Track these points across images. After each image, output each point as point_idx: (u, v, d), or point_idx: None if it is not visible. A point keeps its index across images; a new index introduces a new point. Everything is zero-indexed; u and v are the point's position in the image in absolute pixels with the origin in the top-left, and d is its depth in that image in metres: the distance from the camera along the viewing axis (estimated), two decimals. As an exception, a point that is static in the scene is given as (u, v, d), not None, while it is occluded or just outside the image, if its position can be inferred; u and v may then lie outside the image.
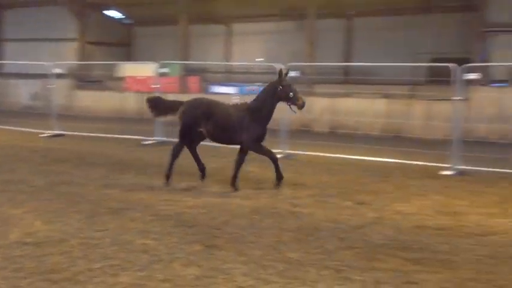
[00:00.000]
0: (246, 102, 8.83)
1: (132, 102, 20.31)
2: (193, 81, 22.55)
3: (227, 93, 20.16)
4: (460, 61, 11.20)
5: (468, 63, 11.34)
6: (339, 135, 16.13)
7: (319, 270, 5.17)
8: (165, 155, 11.70)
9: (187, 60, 23.44)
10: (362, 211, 7.46)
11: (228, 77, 26.74)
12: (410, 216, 7.23)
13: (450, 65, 10.55)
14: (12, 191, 8.13)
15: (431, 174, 10.15)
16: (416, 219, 7.08)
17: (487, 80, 16.09)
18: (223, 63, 27.09)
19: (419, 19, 22.88)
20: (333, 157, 11.76)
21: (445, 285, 4.86)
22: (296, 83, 14.36)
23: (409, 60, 21.46)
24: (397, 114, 15.90)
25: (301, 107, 8.71)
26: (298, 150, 12.23)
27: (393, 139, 14.69)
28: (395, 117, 15.72)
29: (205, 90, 21.92)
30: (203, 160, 9.13)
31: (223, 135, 8.72)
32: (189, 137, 8.78)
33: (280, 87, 8.58)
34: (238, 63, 26.35)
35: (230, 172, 8.81)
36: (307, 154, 12.13)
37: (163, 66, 14.65)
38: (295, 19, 25.04)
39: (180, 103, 8.85)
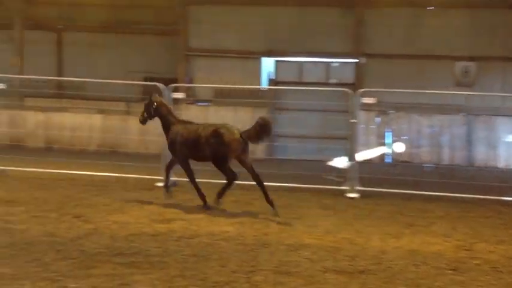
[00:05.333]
0: None
1: None
2: None
3: None
4: (168, 81, 12.19)
5: (175, 83, 12.37)
6: (54, 150, 15.78)
7: (34, 282, 5.20)
8: None
9: None
10: (79, 224, 7.60)
11: None
12: (126, 225, 7.64)
13: (159, 84, 11.37)
14: None
15: (147, 186, 10.78)
16: (132, 227, 7.53)
17: (193, 99, 17.73)
18: None
19: (130, 38, 23.70)
20: (49, 172, 11.53)
21: (155, 282, 5.39)
22: (2, 95, 13.72)
23: (122, 77, 22.12)
24: (113, 130, 16.32)
25: None
26: (9, 166, 11.65)
27: (110, 154, 15.04)
28: (112, 132, 16.12)
29: None
30: None
31: None
32: None
33: None
34: None
35: None
36: (20, 170, 11.62)
37: None
38: (0, 28, 23.49)
39: None
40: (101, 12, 21.58)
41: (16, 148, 14.88)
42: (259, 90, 17.49)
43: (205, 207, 8.90)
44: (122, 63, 23.19)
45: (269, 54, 18.70)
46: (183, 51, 19.10)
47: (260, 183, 8.77)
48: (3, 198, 8.92)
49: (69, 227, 7.38)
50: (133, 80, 19.44)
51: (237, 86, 16.06)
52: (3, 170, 11.31)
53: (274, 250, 6.67)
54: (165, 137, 9.46)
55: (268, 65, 18.93)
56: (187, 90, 14.10)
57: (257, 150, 16.57)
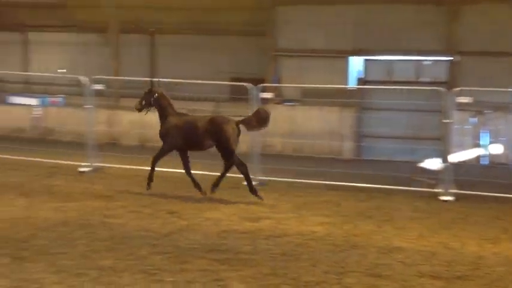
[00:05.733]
0: None
1: None
2: (-13, 90, 20.96)
3: (27, 104, 19.13)
4: (256, 81, 12.27)
5: (262, 83, 12.44)
6: (147, 148, 16.29)
7: (132, 274, 5.42)
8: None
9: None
10: (173, 220, 7.84)
11: (28, 87, 25.26)
12: (217, 222, 7.80)
13: (247, 84, 11.48)
14: None
15: (235, 184, 10.85)
16: (223, 224, 7.67)
17: (280, 99, 17.75)
18: (23, 73, 25.51)
19: (220, 40, 24.19)
20: (143, 169, 11.91)
21: (248, 280, 5.44)
22: (100, 96, 14.39)
23: (211, 78, 22.58)
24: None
25: None
26: (107, 163, 12.19)
27: (199, 153, 15.32)
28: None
29: (2, 100, 20.49)
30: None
31: None
32: None
33: None
34: (39, 73, 25.06)
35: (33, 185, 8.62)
36: (116, 167, 12.13)
37: None
38: (98, 32, 24.69)
39: None
40: (191, 14, 22.16)
41: (112, 146, 15.55)
42: (346, 89, 17.21)
43: (147, 187, 9.52)
44: (210, 63, 23.70)
45: (357, 53, 18.38)
46: (271, 52, 19.17)
47: (227, 169, 9.36)
48: (102, 194, 9.36)
49: (163, 223, 7.63)
50: (221, 80, 19.85)
51: (324, 86, 15.87)
52: (101, 167, 11.84)
53: (365, 252, 6.55)
54: (160, 125, 9.79)
55: (356, 64, 18.62)
56: (275, 90, 14.12)
57: (344, 150, 16.39)
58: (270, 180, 10.95)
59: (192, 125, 9.43)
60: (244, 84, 11.43)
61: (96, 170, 11.66)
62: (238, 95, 13.06)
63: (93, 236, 6.71)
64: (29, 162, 12.01)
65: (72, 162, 11.91)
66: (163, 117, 9.74)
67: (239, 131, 9.34)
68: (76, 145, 14.72)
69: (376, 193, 10.44)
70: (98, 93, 12.44)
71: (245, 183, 9.48)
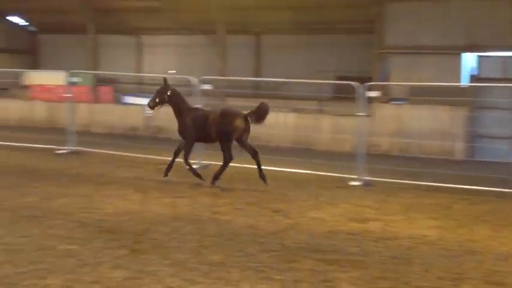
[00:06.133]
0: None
1: (41, 111, 19.74)
2: (105, 91, 22.27)
3: (140, 104, 20.09)
4: (362, 79, 12.01)
5: (369, 81, 12.15)
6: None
7: (241, 271, 5.49)
8: (79, 164, 11.69)
9: (96, 70, 23.11)
10: (278, 218, 7.88)
11: (140, 88, 26.61)
12: (323, 222, 7.73)
13: (353, 83, 11.28)
14: None
15: (341, 184, 10.78)
16: (329, 225, 7.58)
17: (387, 98, 17.30)
18: (137, 74, 26.90)
19: (324, 39, 24.06)
20: (247, 167, 12.11)
21: (357, 282, 5.33)
22: (209, 95, 14.80)
23: (315, 77, 22.51)
24: (306, 128, 16.66)
25: None
26: (213, 161, 12.48)
27: (303, 151, 15.37)
28: (305, 130, 16.46)
29: (117, 100, 21.74)
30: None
31: None
32: None
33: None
34: (151, 74, 26.31)
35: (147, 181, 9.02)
36: (221, 164, 12.36)
37: (73, 75, 14.38)
38: (205, 33, 25.46)
39: None
40: (295, 14, 22.21)
41: (216, 143, 15.91)
42: (459, 87, 16.41)
43: (196, 176, 10.03)
44: (314, 63, 23.67)
45: (470, 49, 17.49)
46: (378, 49, 18.73)
47: (256, 158, 9.85)
48: (210, 191, 9.60)
49: (269, 221, 7.68)
50: (325, 79, 19.71)
51: (434, 84, 15.25)
52: (209, 164, 12.13)
53: (482, 258, 6.19)
54: (177, 121, 10.23)
55: (469, 60, 17.73)
56: (382, 89, 13.78)
57: (456, 151, 15.68)
58: (376, 180, 10.70)
59: (204, 119, 9.92)
60: (351, 83, 11.24)
61: (205, 167, 11.98)
62: (343, 94, 12.90)
63: (203, 232, 6.88)
64: (142, 159, 12.60)
65: (181, 160, 12.31)
66: (178, 113, 10.21)
67: (248, 124, 9.89)
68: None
69: (489, 196, 9.87)
70: (205, 92, 12.78)
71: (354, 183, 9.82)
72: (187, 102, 10.38)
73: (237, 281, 5.22)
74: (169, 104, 10.28)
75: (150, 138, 16.94)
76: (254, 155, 9.89)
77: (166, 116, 18.29)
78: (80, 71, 20.17)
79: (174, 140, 16.62)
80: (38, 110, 19.91)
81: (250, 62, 25.24)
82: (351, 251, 6.32)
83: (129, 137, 16.76)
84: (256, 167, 10.01)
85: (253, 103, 18.79)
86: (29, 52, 29.41)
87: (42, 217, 7.16)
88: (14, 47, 28.36)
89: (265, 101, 10.52)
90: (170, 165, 10.31)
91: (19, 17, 28.20)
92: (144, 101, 20.70)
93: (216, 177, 9.93)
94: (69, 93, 14.16)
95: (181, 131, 10.19)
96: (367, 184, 10.68)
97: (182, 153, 10.21)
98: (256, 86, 23.38)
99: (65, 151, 13.26)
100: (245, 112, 9.91)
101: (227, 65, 21.62)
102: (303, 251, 6.26)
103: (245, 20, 23.30)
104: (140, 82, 27.24)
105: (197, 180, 10.13)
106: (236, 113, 9.90)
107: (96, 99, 21.00)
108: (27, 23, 28.94)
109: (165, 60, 26.95)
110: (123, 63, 27.35)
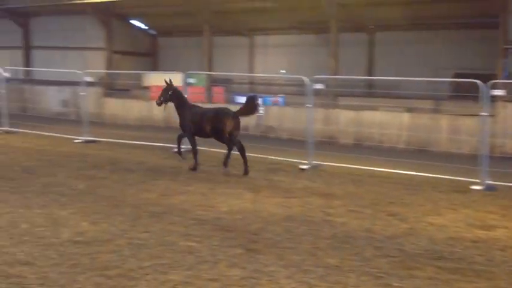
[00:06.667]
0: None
1: (158, 110, 20.63)
2: (218, 91, 22.85)
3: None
4: (483, 77, 11.23)
5: (491, 79, 11.35)
6: (364, 147, 16.25)
7: (358, 276, 5.34)
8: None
9: (210, 71, 23.77)
10: (395, 222, 7.60)
11: (252, 87, 27.05)
12: (443, 228, 7.34)
13: (477, 81, 10.61)
14: (55, 193, 8.44)
15: (460, 188, 10.22)
16: (449, 231, 7.19)
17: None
18: (248, 74, 27.36)
19: (440, 34, 23.03)
20: (361, 169, 11.87)
21: (484, 293, 5.00)
22: (321, 95, 14.67)
23: (430, 75, 21.57)
24: (422, 128, 16.01)
25: None
26: (324, 161, 12.37)
27: (419, 152, 14.78)
28: (420, 130, 15.82)
29: (229, 100, 22.20)
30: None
31: None
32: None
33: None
34: (264, 74, 26.64)
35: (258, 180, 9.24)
36: (333, 165, 12.24)
37: (190, 76, 14.87)
38: (316, 32, 25.31)
39: None
40: (410, 9, 21.42)
41: (328, 144, 15.79)
42: None
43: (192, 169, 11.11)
44: (430, 60, 22.74)
45: None
46: (502, 45, 17.54)
47: (243, 154, 10.94)
48: (322, 191, 9.49)
49: (385, 225, 7.43)
50: (442, 77, 18.83)
51: None
52: (319, 165, 12.06)
53: None
54: (179, 117, 11.43)
55: None
56: (506, 87, 12.86)
57: None
58: (499, 185, 10.04)
59: (200, 116, 11.07)
60: (475, 81, 10.59)
61: (315, 167, 11.90)
62: (462, 93, 12.23)
63: (317, 233, 6.80)
64: (252, 158, 12.72)
65: (292, 159, 12.34)
66: (178, 109, 11.47)
67: (238, 122, 10.93)
68: (294, 143, 15.31)
69: None
70: (316, 92, 12.68)
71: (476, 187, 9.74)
72: (187, 99, 11.75)
73: (355, 286, 5.09)
74: (172, 101, 11.55)
75: (260, 138, 17.13)
76: (240, 149, 10.93)
77: (277, 115, 18.60)
78: (196, 72, 20.93)
79: (284, 140, 16.84)
80: (156, 110, 20.84)
81: (363, 60, 24.74)
82: (475, 260, 5.95)
83: (240, 137, 16.98)
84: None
85: (366, 102, 18.58)
86: (150, 54, 30.94)
87: (162, 213, 7.45)
88: (137, 50, 29.98)
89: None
90: (179, 150, 11.52)
91: (140, 21, 29.74)
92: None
93: (225, 163, 10.88)
94: (185, 94, 14.64)
95: (182, 124, 11.42)
96: (490, 188, 10.03)
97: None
98: (369, 85, 22.88)
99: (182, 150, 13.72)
100: (234, 111, 10.96)
101: (338, 63, 21.33)
102: (423, 258, 5.99)
103: (358, 17, 22.86)
104: (252, 82, 27.68)
105: (301, 181, 10.44)
106: (227, 113, 10.94)
107: (210, 99, 21.59)
108: (147, 27, 30.46)
109: (276, 60, 27.17)
110: (236, 63, 27.95)
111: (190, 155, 11.45)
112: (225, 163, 10.88)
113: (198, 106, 11.68)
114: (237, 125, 10.95)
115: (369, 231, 7.07)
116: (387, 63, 23.62)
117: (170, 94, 11.52)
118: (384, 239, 6.69)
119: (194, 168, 11.13)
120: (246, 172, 10.81)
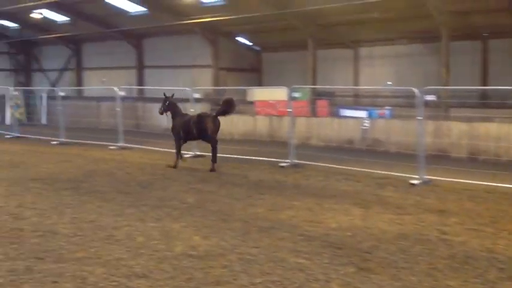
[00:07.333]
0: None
1: (262, 125, 20.88)
2: (322, 105, 22.66)
3: (357, 116, 20.03)
4: None
5: None
6: (479, 161, 15.33)
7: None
8: (300, 177, 11.98)
9: (314, 85, 23.66)
10: (519, 242, 7.05)
11: (357, 100, 26.59)
12: None
13: None
14: (168, 207, 8.71)
15: None
16: None
17: None
18: (353, 87, 26.94)
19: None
20: (477, 184, 11.17)
21: None
22: (432, 106, 14.06)
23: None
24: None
25: None
26: (436, 176, 11.80)
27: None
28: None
29: (334, 113, 21.95)
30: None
31: None
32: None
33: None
34: (366, 87, 26.12)
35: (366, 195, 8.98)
36: (446, 180, 11.62)
37: (295, 90, 14.87)
38: (426, 42, 24.41)
39: None
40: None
41: (440, 158, 15.06)
42: None
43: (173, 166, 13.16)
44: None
45: None
46: None
47: (214, 149, 12.76)
48: (436, 208, 9.03)
49: (508, 244, 6.91)
50: None
51: None
52: (431, 180, 11.51)
53: None
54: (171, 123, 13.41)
55: None
56: None
57: None
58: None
59: (186, 122, 12.98)
60: None
61: (427, 182, 11.38)
62: None
63: (434, 253, 6.44)
64: (359, 173, 12.44)
65: (401, 174, 11.90)
66: (173, 118, 13.41)
67: (217, 122, 12.99)
68: (403, 156, 14.79)
69: None
70: (426, 103, 12.17)
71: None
72: (180, 109, 13.55)
73: (479, 311, 4.72)
74: (169, 111, 13.50)
75: (366, 151, 16.74)
76: (214, 145, 12.72)
77: (384, 128, 18.09)
78: (301, 86, 20.91)
79: (392, 154, 16.31)
80: (260, 125, 21.09)
81: (475, 69, 23.48)
82: None
83: (346, 150, 16.71)
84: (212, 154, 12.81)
85: (480, 114, 17.57)
86: (254, 70, 31.46)
87: (270, 228, 7.42)
88: (242, 66, 30.63)
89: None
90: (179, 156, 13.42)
91: (245, 38, 30.36)
92: (361, 113, 20.76)
93: (214, 160, 12.66)
94: (290, 108, 14.68)
95: (172, 129, 13.35)
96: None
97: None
98: (483, 95, 21.64)
99: (287, 164, 13.75)
100: (213, 114, 13.03)
101: (449, 73, 20.39)
102: (555, 283, 5.46)
103: (470, 24, 21.76)
104: (356, 95, 27.23)
105: (412, 196, 10.03)
106: (208, 116, 13.02)
107: (314, 113, 21.46)
108: (252, 43, 31.02)
109: (382, 71, 26.53)
110: (340, 76, 27.64)
111: (209, 160, 13.14)
112: (213, 159, 12.67)
113: (187, 114, 13.55)
114: (217, 125, 12.95)
115: (491, 251, 6.59)
116: (503, 71, 22.24)
117: (166, 105, 13.51)
118: (507, 260, 6.20)
119: (175, 167, 12.94)
120: (213, 169, 12.58)
